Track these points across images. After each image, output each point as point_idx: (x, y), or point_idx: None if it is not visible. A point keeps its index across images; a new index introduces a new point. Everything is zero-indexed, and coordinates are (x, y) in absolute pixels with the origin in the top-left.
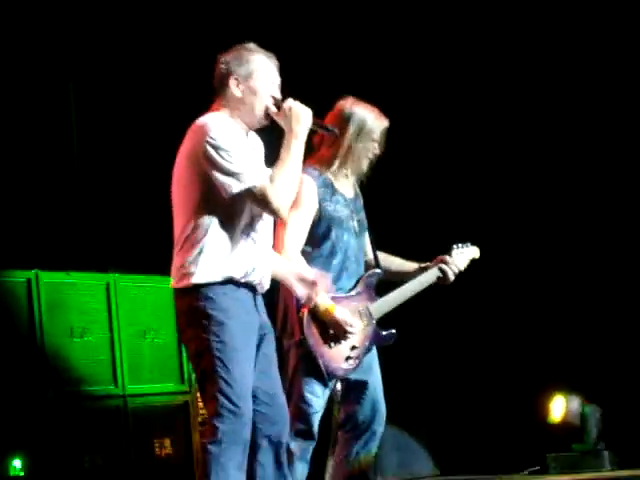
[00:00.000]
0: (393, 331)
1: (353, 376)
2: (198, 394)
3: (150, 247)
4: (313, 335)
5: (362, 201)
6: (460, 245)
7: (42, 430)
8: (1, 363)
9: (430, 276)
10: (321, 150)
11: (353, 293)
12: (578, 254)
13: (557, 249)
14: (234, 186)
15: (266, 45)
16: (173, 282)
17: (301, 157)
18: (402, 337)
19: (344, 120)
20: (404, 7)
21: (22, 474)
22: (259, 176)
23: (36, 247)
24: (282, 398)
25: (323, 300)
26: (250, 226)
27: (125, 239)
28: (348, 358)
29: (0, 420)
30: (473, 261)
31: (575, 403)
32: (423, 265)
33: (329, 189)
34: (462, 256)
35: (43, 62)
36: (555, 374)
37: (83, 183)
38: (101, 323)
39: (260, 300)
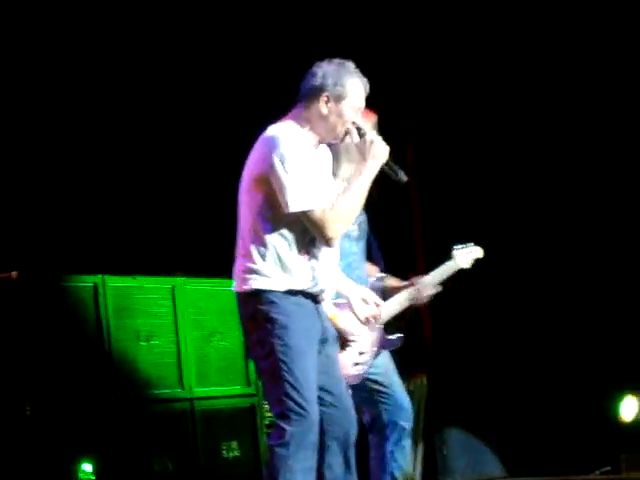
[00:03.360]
0: (400, 335)
1: (371, 379)
2: None
3: (216, 250)
4: None
5: None
6: (461, 246)
7: (111, 434)
8: (69, 367)
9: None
10: None
11: None
12: None
13: (625, 250)
14: (294, 205)
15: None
16: (235, 286)
17: (366, 191)
18: (472, 338)
19: None
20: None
21: (93, 478)
22: (320, 200)
23: (102, 252)
24: (348, 399)
25: (327, 309)
26: (312, 242)
27: (191, 242)
28: (356, 364)
29: (70, 424)
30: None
31: None
32: (401, 284)
33: None
34: (463, 257)
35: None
36: (627, 374)
37: (148, 188)
38: (167, 326)
39: (321, 307)
